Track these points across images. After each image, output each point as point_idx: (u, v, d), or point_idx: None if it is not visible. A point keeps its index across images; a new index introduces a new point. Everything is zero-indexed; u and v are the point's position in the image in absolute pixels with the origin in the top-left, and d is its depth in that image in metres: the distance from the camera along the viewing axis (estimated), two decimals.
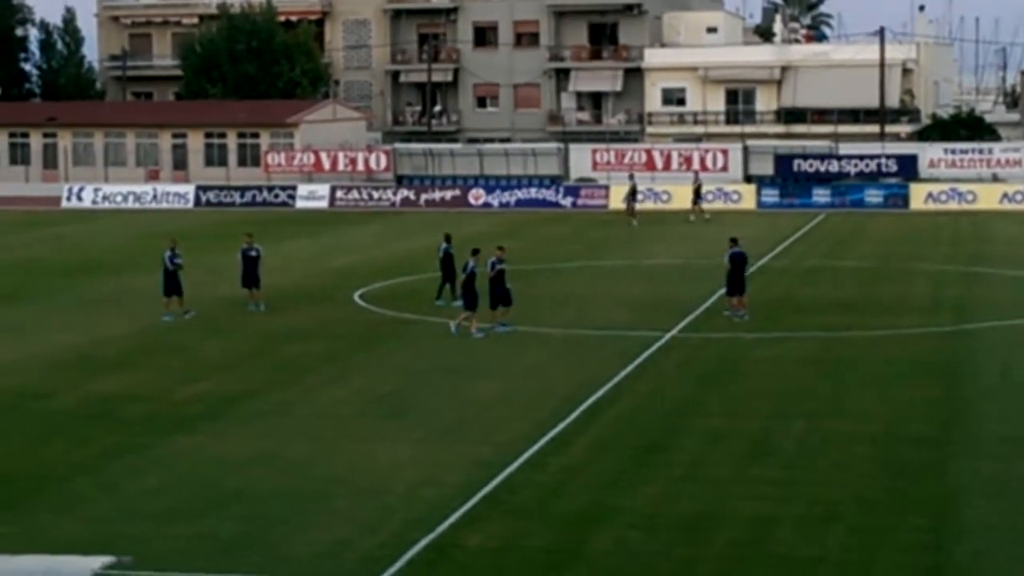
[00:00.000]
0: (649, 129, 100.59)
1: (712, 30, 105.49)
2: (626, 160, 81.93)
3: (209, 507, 22.66)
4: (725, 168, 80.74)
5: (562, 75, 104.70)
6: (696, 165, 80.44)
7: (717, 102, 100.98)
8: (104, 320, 41.36)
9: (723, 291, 41.26)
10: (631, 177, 74.55)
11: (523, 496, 23.27)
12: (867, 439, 26.63)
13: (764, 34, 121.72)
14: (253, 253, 42.70)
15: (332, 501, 22.97)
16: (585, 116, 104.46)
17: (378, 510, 22.46)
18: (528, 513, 22.31)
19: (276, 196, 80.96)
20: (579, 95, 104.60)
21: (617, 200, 73.74)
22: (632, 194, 70.87)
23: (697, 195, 71.61)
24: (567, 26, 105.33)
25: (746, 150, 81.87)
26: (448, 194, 79.39)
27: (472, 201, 78.31)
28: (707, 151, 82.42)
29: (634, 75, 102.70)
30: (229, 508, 22.61)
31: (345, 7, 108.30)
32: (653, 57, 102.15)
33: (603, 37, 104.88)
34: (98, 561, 14.35)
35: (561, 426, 27.88)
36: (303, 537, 21.20)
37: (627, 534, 21.30)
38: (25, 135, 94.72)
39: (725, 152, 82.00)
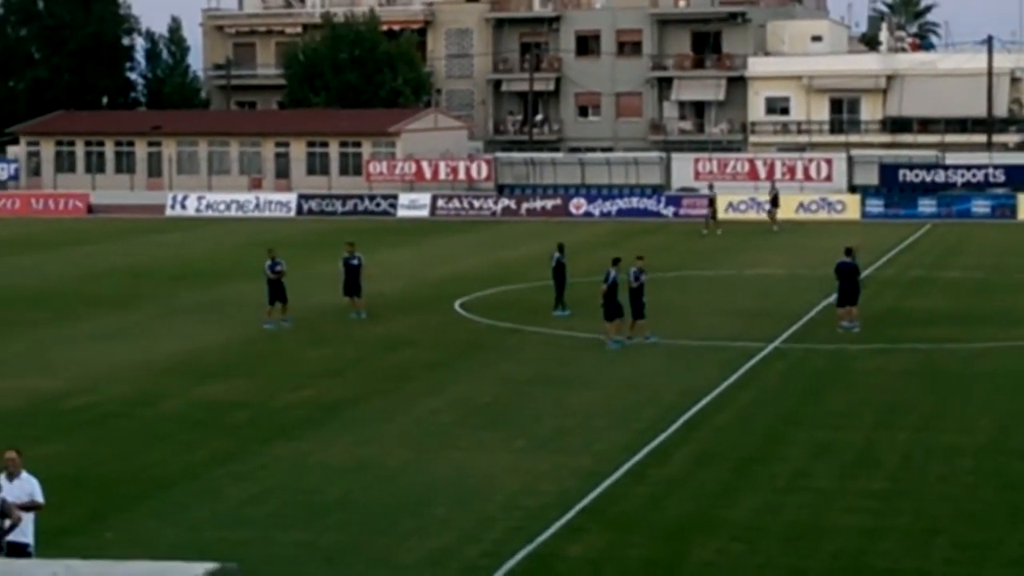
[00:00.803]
0: (752, 138, 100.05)
1: (817, 39, 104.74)
2: (728, 170, 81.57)
3: (312, 514, 22.75)
4: (829, 178, 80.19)
5: (665, 84, 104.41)
6: (800, 175, 79.98)
7: (821, 111, 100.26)
8: (208, 327, 41.70)
9: (827, 301, 40.92)
10: (711, 187, 74.29)
11: (623, 507, 23.16)
12: (972, 452, 26.29)
13: (870, 43, 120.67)
14: (355, 262, 42.90)
15: (433, 509, 22.98)
16: (687, 125, 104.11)
17: (479, 519, 22.44)
18: (628, 524, 22.19)
19: (377, 205, 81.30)
20: (682, 104, 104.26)
21: (720, 210, 73.38)
22: (711, 204, 70.81)
23: (774, 203, 71.38)
24: (670, 35, 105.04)
25: (850, 160, 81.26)
26: (549, 203, 79.36)
27: (573, 210, 78.24)
28: (811, 161, 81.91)
29: (737, 84, 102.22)
30: (331, 515, 22.69)
31: (448, 16, 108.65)
32: (757, 66, 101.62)
33: (706, 46, 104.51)
34: (203, 567, 14.36)
35: (662, 437, 27.73)
36: (405, 545, 21.22)
37: (729, 546, 21.13)
38: (131, 143, 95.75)
39: (829, 162, 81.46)
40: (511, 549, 20.87)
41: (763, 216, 73.81)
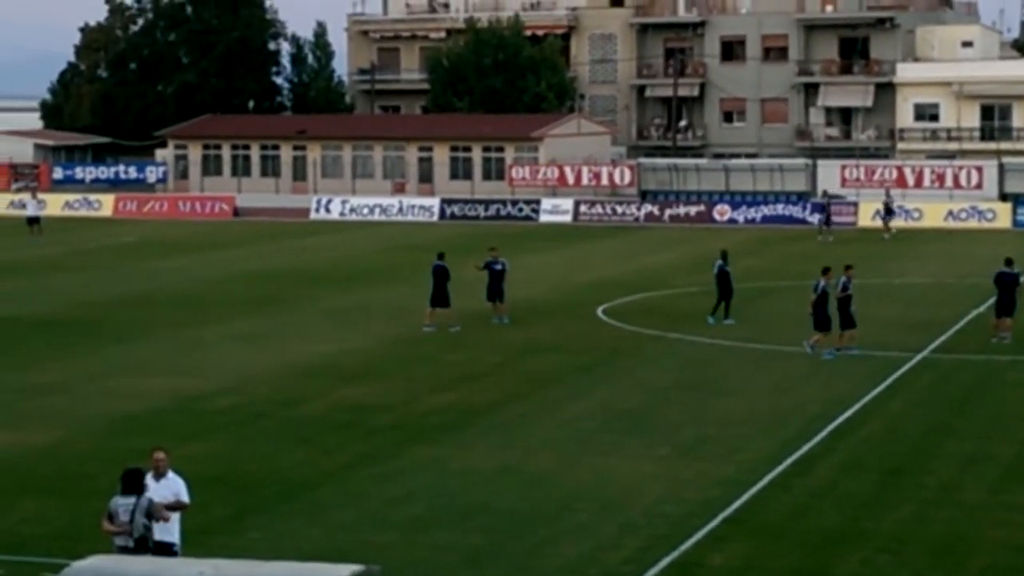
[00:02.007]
0: (900, 145, 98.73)
1: (967, 44, 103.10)
2: (876, 177, 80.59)
3: (453, 518, 22.73)
4: (979, 186, 78.90)
5: (811, 90, 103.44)
6: (949, 182, 78.85)
7: (972, 118, 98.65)
8: (351, 330, 41.92)
9: (977, 311, 40.19)
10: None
11: (767, 516, 22.88)
12: None
13: (1022, 49, 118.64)
14: (498, 267, 42.89)
15: (575, 515, 22.86)
16: (834, 131, 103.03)
17: (621, 526, 22.29)
18: (772, 533, 21.92)
19: (520, 210, 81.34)
20: (828, 110, 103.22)
21: (866, 217, 72.45)
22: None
23: (888, 212, 70.29)
24: (817, 40, 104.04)
25: (1002, 167, 79.88)
26: (693, 210, 78.88)
27: (717, 217, 77.67)
28: (960, 168, 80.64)
29: (885, 90, 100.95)
30: (473, 519, 22.64)
31: (592, 22, 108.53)
32: (905, 72, 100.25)
33: (854, 51, 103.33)
34: (347, 569, 14.38)
35: (807, 446, 27.38)
36: (546, 550, 21.12)
37: (876, 558, 20.77)
38: (276, 147, 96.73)
39: (979, 169, 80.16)
40: (653, 557, 20.70)
41: (912, 224, 72.87)
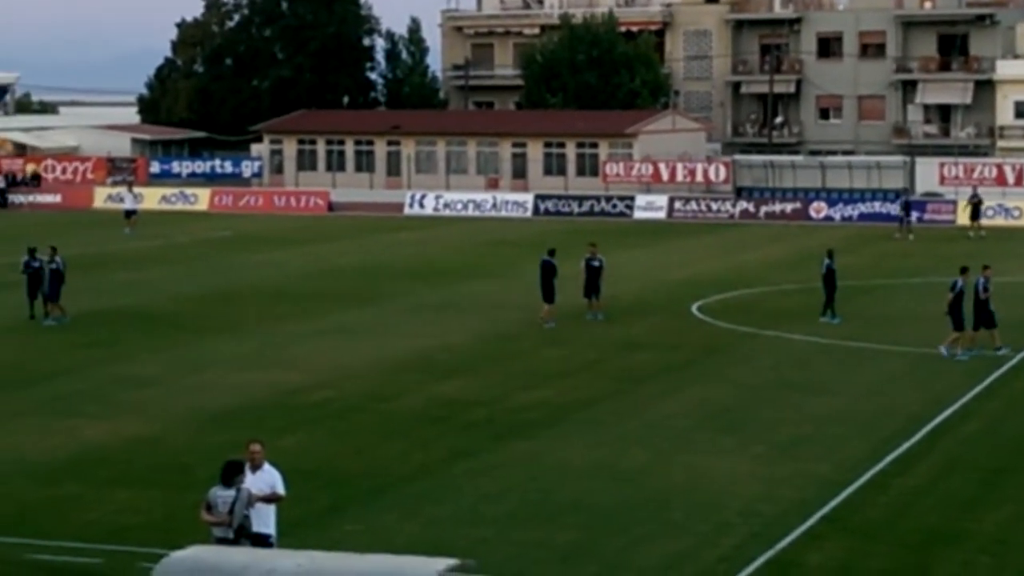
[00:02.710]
0: (1000, 143, 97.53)
1: None
2: (975, 175, 79.65)
3: (548, 514, 22.66)
4: None
5: (909, 87, 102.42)
6: None
7: None
8: (445, 325, 41.95)
9: None
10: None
11: (865, 516, 22.66)
12: None
13: None
14: (596, 263, 42.75)
15: (669, 513, 22.74)
16: (932, 129, 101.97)
17: (716, 524, 22.14)
18: (870, 533, 21.69)
19: (614, 206, 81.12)
20: (926, 107, 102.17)
21: (965, 216, 71.69)
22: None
23: (976, 211, 69.24)
24: (915, 37, 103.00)
25: None
26: (788, 207, 78.31)
27: (813, 214, 77.08)
28: None
29: (985, 87, 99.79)
30: (567, 516, 22.57)
31: (686, 18, 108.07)
32: (1005, 69, 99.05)
33: (953, 48, 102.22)
34: (442, 563, 14.35)
35: (905, 446, 27.10)
36: (640, 548, 21.00)
37: (976, 559, 20.51)
38: (370, 143, 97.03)
39: None
40: (749, 555, 20.55)
41: (1012, 223, 72.00)
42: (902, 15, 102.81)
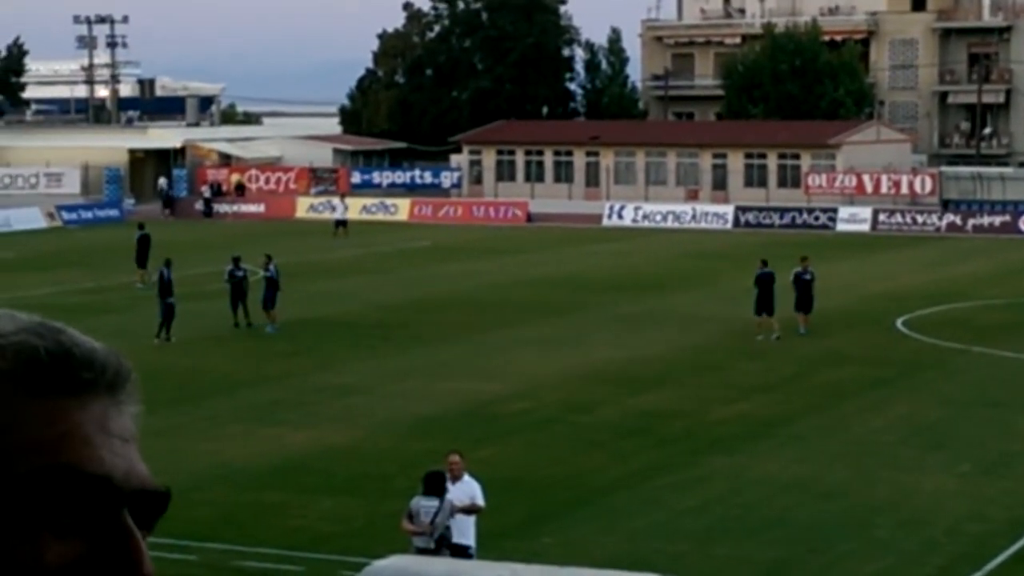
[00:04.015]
0: None
1: None
2: None
3: (749, 529, 22.35)
4: None
5: None
6: None
7: None
8: (643, 337, 41.70)
9: None
10: None
11: None
12: None
13: None
14: (807, 276, 42.09)
15: (873, 531, 22.28)
16: None
17: (922, 543, 21.66)
18: None
19: (816, 218, 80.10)
20: None
21: None
22: None
23: None
24: None
25: None
26: (997, 220, 76.60)
27: (1022, 227, 75.29)
28: None
29: None
30: (768, 532, 22.23)
31: (892, 27, 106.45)
32: None
33: None
34: None
35: None
36: (844, 565, 20.62)
37: None
38: (569, 153, 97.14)
39: None
40: None
41: None
42: None
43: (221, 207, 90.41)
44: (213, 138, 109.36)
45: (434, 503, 17.54)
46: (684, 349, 39.60)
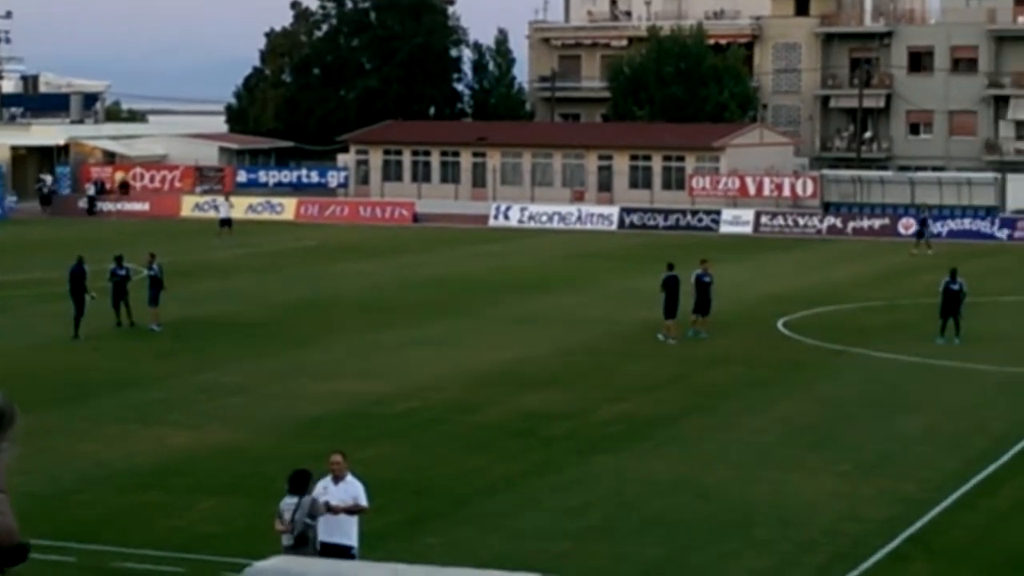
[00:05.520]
0: None
1: None
2: None
3: (630, 529, 22.54)
4: None
5: (1001, 102, 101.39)
6: None
7: None
8: (529, 338, 41.85)
9: None
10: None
11: (951, 537, 22.40)
12: None
13: None
14: (707, 279, 42.33)
15: (753, 530, 22.55)
16: None
17: (800, 542, 21.94)
18: (956, 556, 21.45)
19: (700, 220, 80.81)
20: (1018, 123, 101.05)
21: None
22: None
23: None
24: (1008, 52, 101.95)
25: None
26: (876, 223, 77.72)
27: (902, 231, 76.34)
28: None
29: None
30: (650, 531, 22.43)
31: (776, 31, 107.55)
32: None
33: None
34: None
35: (992, 467, 26.76)
36: (724, 565, 20.85)
37: None
38: (456, 153, 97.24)
39: None
40: (833, 575, 20.31)
41: None
42: (995, 30, 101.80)
43: (105, 205, 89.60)
44: (97, 136, 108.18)
45: (295, 501, 17.77)
46: (570, 350, 39.79)
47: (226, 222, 73.24)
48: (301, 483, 18.00)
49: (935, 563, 21.08)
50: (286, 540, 17.80)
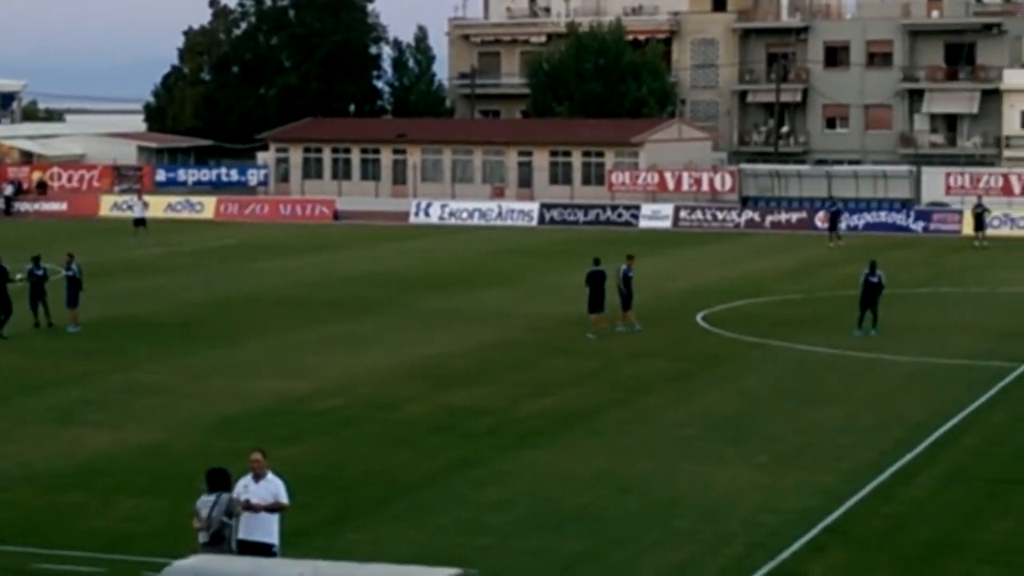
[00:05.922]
0: (1007, 153, 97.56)
1: None
2: (981, 184, 79.63)
3: (551, 523, 22.69)
4: None
5: (915, 96, 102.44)
6: None
7: None
8: (451, 334, 41.95)
9: None
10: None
11: (868, 526, 22.67)
12: None
13: None
14: (631, 274, 42.52)
15: (673, 522, 22.77)
16: (939, 139, 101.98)
17: (720, 534, 22.17)
18: (873, 544, 21.71)
19: (619, 215, 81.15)
20: (933, 117, 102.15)
21: (970, 226, 71.66)
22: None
23: (980, 221, 68.81)
24: (922, 46, 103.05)
25: None
26: (794, 216, 78.35)
27: (819, 224, 76.98)
28: None
29: (992, 97, 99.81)
30: (571, 525, 22.59)
31: (693, 27, 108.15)
32: (1013, 78, 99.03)
33: (960, 57, 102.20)
34: (445, 572, 14.42)
35: (908, 456, 27.11)
36: (645, 557, 21.03)
37: (979, 570, 20.53)
38: (376, 151, 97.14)
39: None
40: (752, 565, 20.58)
41: (1018, 232, 72.01)
42: (909, 24, 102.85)
43: (22, 205, 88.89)
44: (14, 135, 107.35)
45: (212, 499, 17.84)
46: (492, 345, 39.92)
47: (140, 221, 72.62)
48: (219, 481, 18.05)
49: (852, 553, 21.34)
50: (202, 538, 17.85)
